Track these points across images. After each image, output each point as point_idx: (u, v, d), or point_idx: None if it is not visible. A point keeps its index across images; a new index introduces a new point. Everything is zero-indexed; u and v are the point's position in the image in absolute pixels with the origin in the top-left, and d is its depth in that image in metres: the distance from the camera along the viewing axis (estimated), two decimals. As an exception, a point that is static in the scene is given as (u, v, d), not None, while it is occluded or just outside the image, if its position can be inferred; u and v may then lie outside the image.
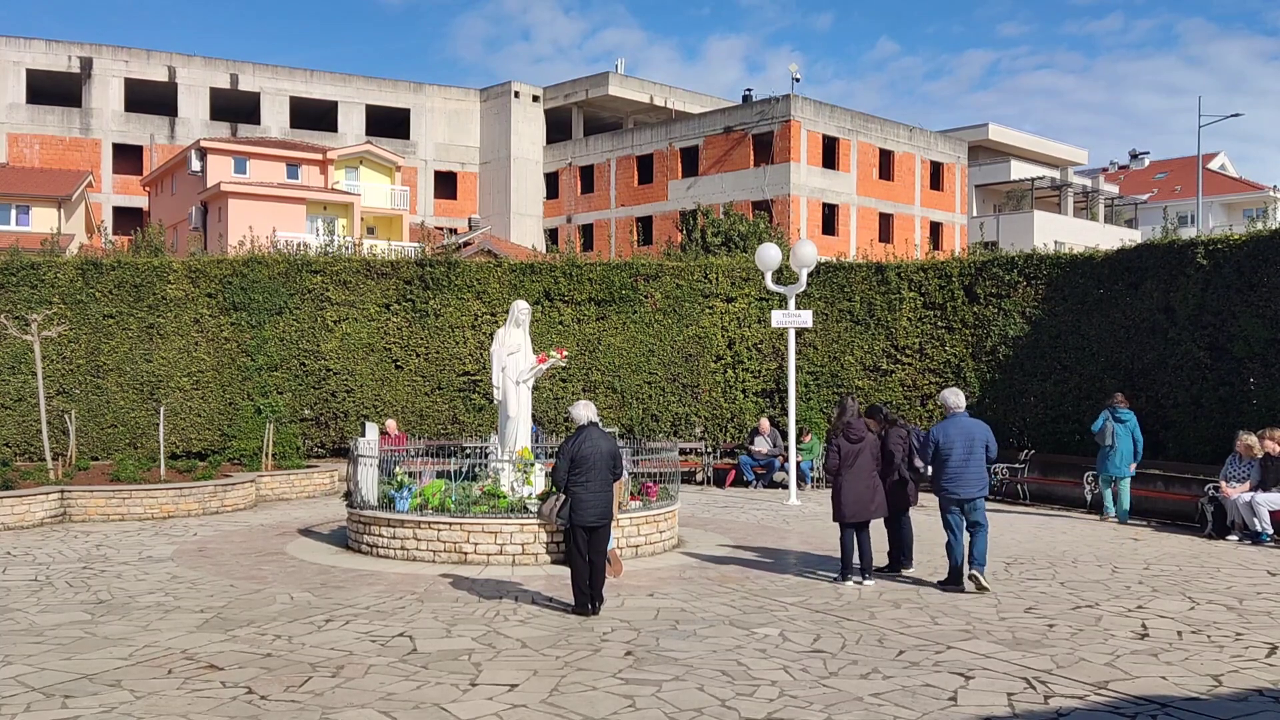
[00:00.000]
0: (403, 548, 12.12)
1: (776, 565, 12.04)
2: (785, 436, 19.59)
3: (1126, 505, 15.89)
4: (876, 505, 10.85)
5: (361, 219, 49.32)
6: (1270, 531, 13.79)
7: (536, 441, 14.32)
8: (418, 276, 21.56)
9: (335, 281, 21.32)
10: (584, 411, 9.96)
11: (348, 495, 13.40)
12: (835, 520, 10.97)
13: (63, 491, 15.59)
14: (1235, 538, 13.99)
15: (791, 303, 18.71)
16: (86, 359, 20.43)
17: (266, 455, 19.20)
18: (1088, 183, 68.32)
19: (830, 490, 11.17)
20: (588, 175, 60.20)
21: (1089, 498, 16.97)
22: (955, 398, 11.24)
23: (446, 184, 63.85)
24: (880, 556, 11.66)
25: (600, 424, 10.13)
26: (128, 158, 57.63)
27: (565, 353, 14.80)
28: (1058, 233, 55.61)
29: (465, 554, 11.88)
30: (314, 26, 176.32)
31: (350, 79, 62.12)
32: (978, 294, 20.53)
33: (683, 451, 20.17)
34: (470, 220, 59.85)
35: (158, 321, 20.71)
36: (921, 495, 12.36)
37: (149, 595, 10.22)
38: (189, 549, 13.04)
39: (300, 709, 6.77)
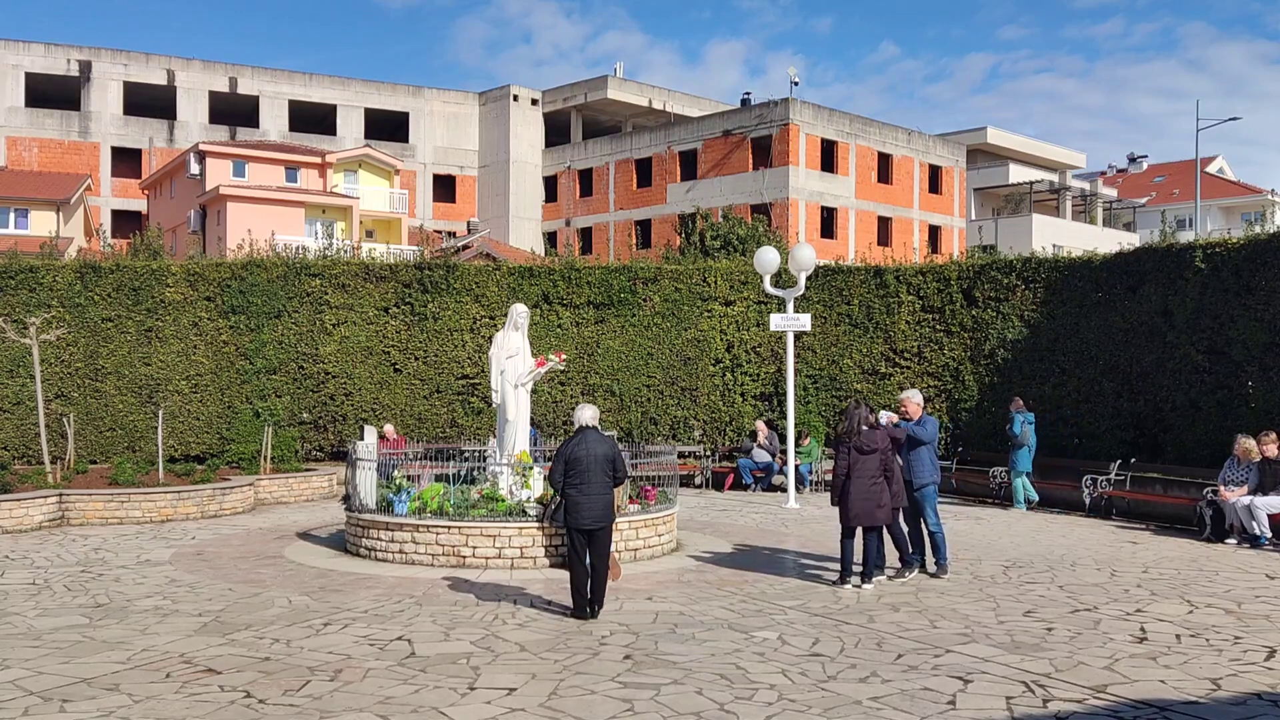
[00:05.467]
0: (401, 551, 12.11)
1: (775, 568, 12.03)
2: (783, 440, 19.58)
3: (1034, 495, 17.73)
4: (883, 511, 10.78)
5: (360, 222, 49.32)
6: (1269, 535, 13.79)
7: (535, 445, 14.31)
8: (416, 280, 21.55)
9: (334, 285, 21.31)
10: (582, 414, 9.98)
11: (346, 499, 13.39)
12: (842, 523, 10.90)
13: (61, 495, 15.57)
14: (1234, 541, 13.98)
15: (790, 306, 18.70)
16: (85, 362, 20.42)
17: (265, 459, 19.18)
18: (1086, 186, 68.37)
19: (831, 495, 11.08)
20: (586, 179, 60.19)
21: (1087, 501, 16.97)
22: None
23: (445, 187, 63.84)
24: (892, 558, 11.61)
25: (599, 427, 10.13)
26: (126, 161, 57.60)
27: (564, 356, 14.81)
28: (1056, 236, 55.65)
29: (464, 557, 11.87)
30: (313, 29, 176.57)
31: (349, 82, 62.11)
32: (976, 297, 20.55)
33: (681, 455, 20.16)
34: (469, 223, 59.83)
35: (156, 325, 20.70)
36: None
37: (147, 599, 10.21)
38: (187, 552, 13.03)
39: (298, 713, 6.76)
